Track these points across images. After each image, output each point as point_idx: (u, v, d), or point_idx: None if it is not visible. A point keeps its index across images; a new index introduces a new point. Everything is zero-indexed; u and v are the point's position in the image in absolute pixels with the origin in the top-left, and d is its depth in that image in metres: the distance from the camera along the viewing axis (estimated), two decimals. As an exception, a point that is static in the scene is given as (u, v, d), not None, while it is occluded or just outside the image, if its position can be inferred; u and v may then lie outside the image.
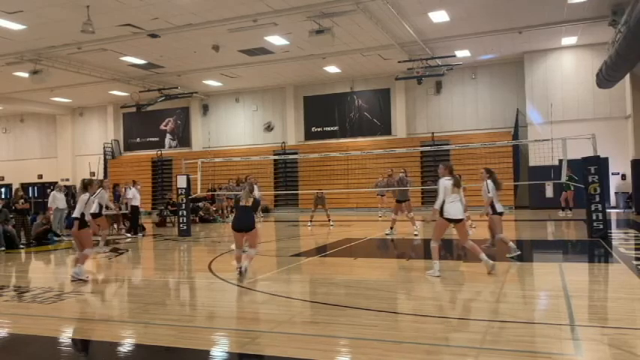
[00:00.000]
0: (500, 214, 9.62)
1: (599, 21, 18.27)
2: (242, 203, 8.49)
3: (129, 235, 16.57)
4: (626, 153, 21.09)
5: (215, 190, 22.85)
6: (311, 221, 17.53)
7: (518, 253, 9.40)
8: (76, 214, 8.67)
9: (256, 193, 9.47)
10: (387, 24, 18.35)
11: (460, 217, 8.12)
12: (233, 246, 9.57)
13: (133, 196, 16.67)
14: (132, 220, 16.91)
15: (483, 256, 8.08)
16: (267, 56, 22.35)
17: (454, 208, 8.06)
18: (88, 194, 8.79)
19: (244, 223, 8.42)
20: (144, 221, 18.70)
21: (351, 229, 16.56)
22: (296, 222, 20.44)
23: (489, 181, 9.61)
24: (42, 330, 5.81)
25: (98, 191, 12.41)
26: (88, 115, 33.59)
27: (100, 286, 8.73)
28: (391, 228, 14.19)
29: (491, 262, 8.06)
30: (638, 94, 19.64)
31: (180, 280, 9.22)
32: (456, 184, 8.16)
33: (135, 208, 16.76)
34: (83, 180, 9.10)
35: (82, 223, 8.64)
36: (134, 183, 17.27)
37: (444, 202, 8.10)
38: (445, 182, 8.18)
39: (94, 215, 11.76)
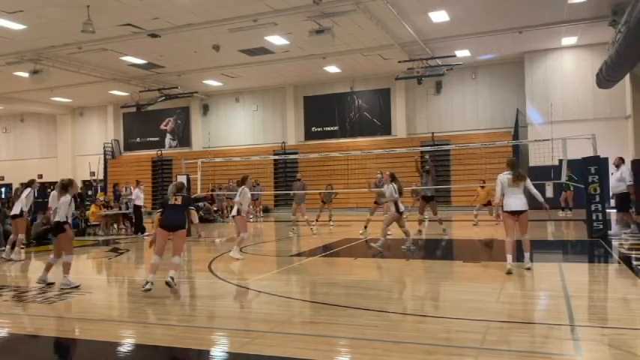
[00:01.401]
0: (401, 213, 11.02)
1: (599, 21, 18.27)
2: (171, 202, 7.65)
3: (135, 235, 16.58)
4: (626, 153, 21.05)
5: (215, 190, 22.87)
6: (316, 221, 17.37)
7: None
8: (60, 217, 8.11)
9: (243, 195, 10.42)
10: (387, 24, 18.35)
11: (519, 209, 8.28)
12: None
13: (137, 196, 16.65)
14: (135, 220, 16.92)
15: (527, 254, 8.40)
16: (267, 56, 22.35)
17: (511, 201, 8.34)
18: (69, 195, 8.22)
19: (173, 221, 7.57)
20: (145, 221, 18.66)
21: (351, 229, 16.55)
22: (296, 222, 20.38)
23: (394, 184, 11.04)
24: (42, 330, 5.82)
25: (27, 191, 11.89)
26: (88, 114, 33.61)
27: (100, 286, 8.74)
28: (365, 227, 14.48)
29: (529, 263, 8.32)
30: (638, 94, 19.64)
31: (180, 280, 9.21)
32: (516, 178, 8.42)
33: (137, 208, 16.80)
34: (62, 180, 8.47)
35: (61, 227, 8.14)
36: (138, 183, 17.21)
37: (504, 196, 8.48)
38: (502, 177, 8.53)
39: (14, 216, 11.63)
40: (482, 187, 16.60)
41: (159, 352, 4.97)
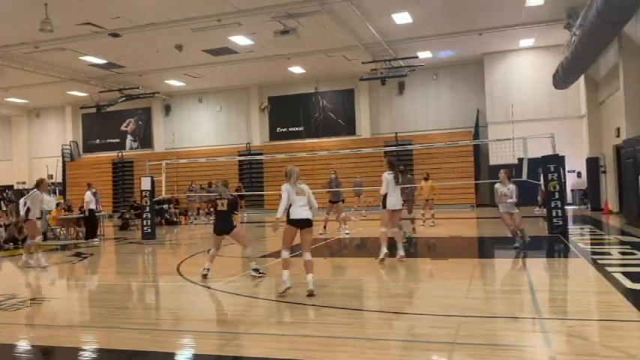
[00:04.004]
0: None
1: (556, 24, 18.87)
2: (219, 207, 8.52)
3: (86, 241, 15.31)
4: (580, 151, 21.87)
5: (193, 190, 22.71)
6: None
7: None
8: None
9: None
10: (352, 25, 18.49)
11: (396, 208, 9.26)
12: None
13: (90, 199, 15.64)
14: (88, 225, 15.77)
15: (385, 248, 9.15)
16: (231, 56, 22.19)
17: (392, 199, 9.15)
18: None
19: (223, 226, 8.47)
20: (105, 224, 18.22)
21: (318, 229, 16.59)
22: (262, 223, 20.35)
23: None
24: (10, 338, 5.64)
25: None
26: (45, 116, 32.62)
27: (68, 292, 8.54)
28: (324, 227, 14.53)
29: (385, 252, 9.07)
30: (592, 94, 20.37)
31: (151, 283, 9.09)
32: (396, 179, 9.20)
33: (91, 212, 15.72)
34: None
35: None
36: (89, 186, 16.30)
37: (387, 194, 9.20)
38: (387, 176, 9.17)
39: None
40: (426, 179, 15.94)
41: (133, 357, 4.89)
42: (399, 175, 9.47)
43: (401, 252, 9.20)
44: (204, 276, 8.22)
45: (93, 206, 15.77)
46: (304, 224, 6.95)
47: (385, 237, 9.29)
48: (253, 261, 8.32)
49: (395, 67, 21.72)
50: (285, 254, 7.00)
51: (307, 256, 7.00)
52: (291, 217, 6.95)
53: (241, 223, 10.35)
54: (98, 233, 16.47)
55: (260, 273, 8.28)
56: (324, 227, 14.57)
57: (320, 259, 10.93)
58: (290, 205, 6.97)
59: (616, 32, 14.24)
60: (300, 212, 6.95)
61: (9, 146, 33.24)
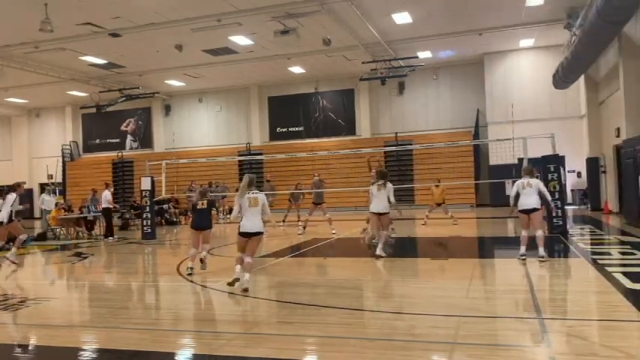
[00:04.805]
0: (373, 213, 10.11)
1: (555, 24, 18.88)
2: (198, 207, 8.97)
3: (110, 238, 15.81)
4: (580, 151, 21.87)
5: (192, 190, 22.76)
6: (283, 221, 17.37)
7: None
8: None
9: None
10: (352, 25, 18.49)
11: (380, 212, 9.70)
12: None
13: (109, 198, 16.28)
14: (107, 223, 16.39)
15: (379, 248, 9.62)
16: (231, 56, 22.20)
17: (375, 204, 9.70)
18: None
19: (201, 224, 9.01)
20: (104, 224, 18.18)
21: (318, 229, 16.60)
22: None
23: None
24: (9, 338, 5.64)
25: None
26: (45, 116, 32.61)
27: (68, 292, 8.54)
28: (304, 227, 15.00)
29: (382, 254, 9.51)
30: (592, 94, 20.37)
31: (151, 283, 9.08)
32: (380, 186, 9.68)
33: (107, 211, 16.25)
34: None
35: None
36: (107, 186, 16.79)
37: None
38: (372, 188, 9.78)
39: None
40: (437, 185, 16.86)
41: (133, 357, 4.88)
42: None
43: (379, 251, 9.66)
44: (203, 270, 8.44)
45: (110, 205, 16.28)
46: (251, 235, 7.37)
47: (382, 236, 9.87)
48: (201, 259, 8.72)
49: (395, 67, 21.72)
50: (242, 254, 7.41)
51: (248, 259, 7.31)
52: (241, 229, 7.40)
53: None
54: (98, 233, 16.52)
55: (191, 272, 8.64)
56: (304, 228, 15.02)
57: (320, 259, 10.98)
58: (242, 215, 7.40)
59: (616, 32, 14.24)
60: (250, 225, 7.34)
61: (9, 146, 33.23)
